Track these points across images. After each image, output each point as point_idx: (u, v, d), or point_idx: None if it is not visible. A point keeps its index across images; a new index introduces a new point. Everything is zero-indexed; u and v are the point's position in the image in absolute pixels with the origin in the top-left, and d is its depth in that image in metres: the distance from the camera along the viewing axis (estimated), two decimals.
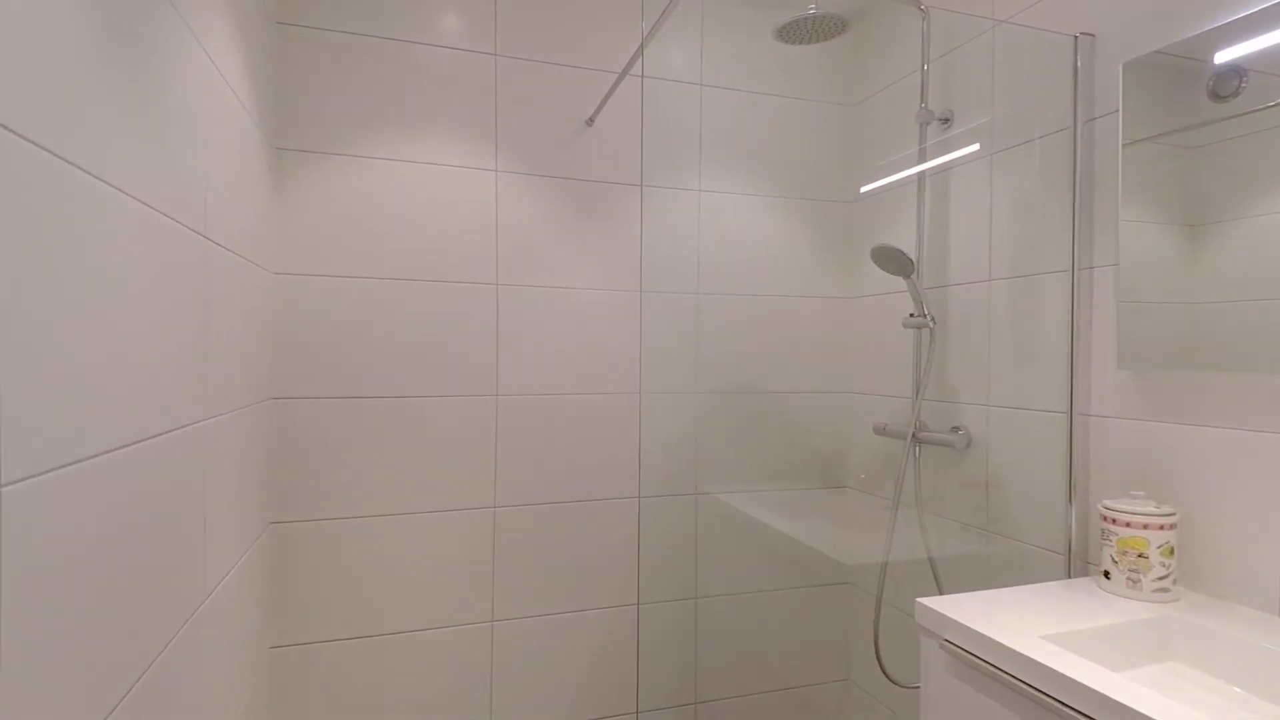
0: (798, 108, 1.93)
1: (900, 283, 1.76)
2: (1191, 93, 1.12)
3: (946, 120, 1.61)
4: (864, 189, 1.92)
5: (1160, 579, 1.09)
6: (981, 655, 0.96)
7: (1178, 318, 1.14)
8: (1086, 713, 0.80)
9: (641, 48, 1.45)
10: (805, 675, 1.96)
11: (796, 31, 1.59)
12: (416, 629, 1.65)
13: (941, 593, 1.59)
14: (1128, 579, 1.11)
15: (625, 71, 1.54)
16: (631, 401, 1.81)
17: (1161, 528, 1.09)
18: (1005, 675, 0.91)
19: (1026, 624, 0.99)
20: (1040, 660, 0.87)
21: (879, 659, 1.65)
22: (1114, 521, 1.13)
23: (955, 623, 1.01)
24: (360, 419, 1.61)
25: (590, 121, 1.75)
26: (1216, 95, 1.10)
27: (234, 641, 1.24)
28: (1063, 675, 0.83)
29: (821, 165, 1.96)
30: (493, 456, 1.70)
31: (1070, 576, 1.32)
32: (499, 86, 1.69)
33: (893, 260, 1.53)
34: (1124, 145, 1.21)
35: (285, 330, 1.56)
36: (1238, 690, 0.94)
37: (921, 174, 1.68)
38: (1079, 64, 1.30)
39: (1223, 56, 1.07)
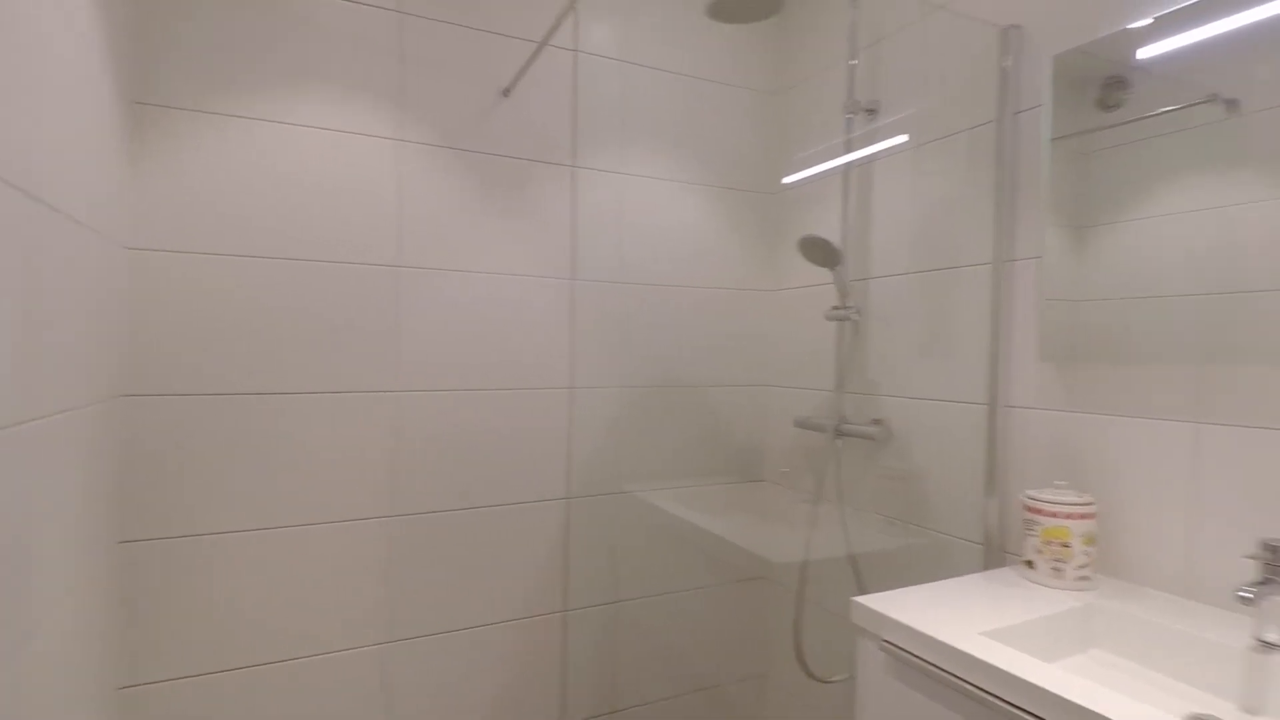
0: (724, 92, 1.88)
1: (823, 274, 1.74)
2: (1102, 91, 1.16)
3: (873, 111, 1.60)
4: (788, 179, 1.89)
5: (1081, 567, 1.10)
6: (924, 656, 0.93)
7: (1095, 312, 1.16)
8: (1035, 712, 0.78)
9: (562, 18, 1.34)
10: (724, 673, 1.92)
11: (729, 8, 1.53)
12: (296, 657, 1.46)
13: (861, 585, 1.59)
14: (1051, 568, 1.12)
15: (545, 40, 1.42)
16: (555, 398, 1.69)
17: (1083, 517, 1.11)
18: (950, 676, 0.88)
19: (965, 620, 0.97)
20: (989, 661, 0.84)
21: (799, 654, 1.63)
22: (1038, 511, 1.14)
23: (895, 622, 0.98)
24: (232, 419, 1.40)
25: (507, 93, 1.62)
26: (1104, 105, 1.15)
27: (67, 686, 1.03)
28: (1013, 676, 0.80)
29: (747, 153, 1.92)
30: (391, 460, 1.53)
31: (988, 567, 1.33)
32: (404, 47, 1.52)
33: (820, 251, 1.50)
34: (1049, 140, 1.23)
35: (141, 315, 1.33)
36: (1154, 674, 0.96)
37: (847, 165, 1.66)
38: (1006, 57, 1.31)
39: (1145, 53, 1.09)
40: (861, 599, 1.05)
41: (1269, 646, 0.86)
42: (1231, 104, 1.01)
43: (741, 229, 1.92)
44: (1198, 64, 1.04)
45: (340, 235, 1.48)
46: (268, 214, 1.42)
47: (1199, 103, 1.04)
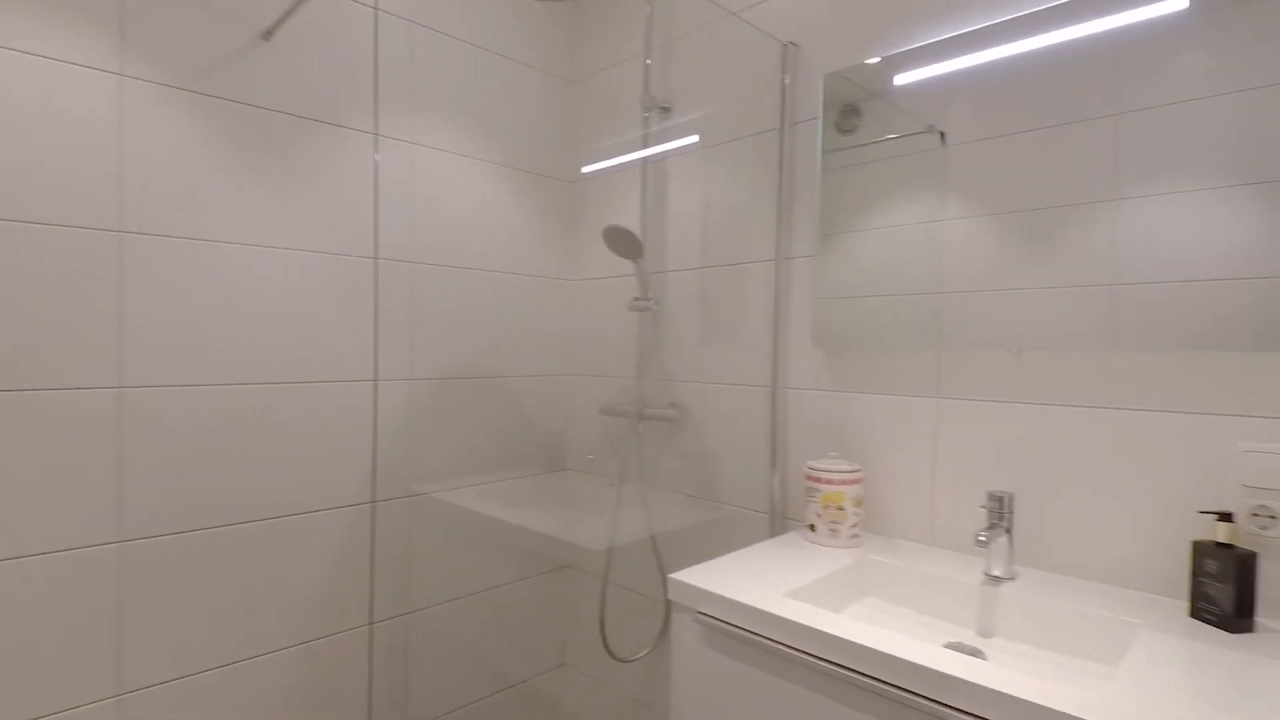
0: (523, 73, 1.81)
1: (622, 266, 1.78)
2: (840, 117, 1.35)
3: (667, 109, 1.66)
4: (586, 169, 1.89)
5: (853, 527, 1.26)
6: (738, 622, 0.98)
7: (850, 306, 1.34)
8: (836, 660, 0.87)
9: None
10: (523, 669, 1.88)
11: None
12: None
13: (660, 563, 1.65)
14: (829, 530, 1.26)
15: None
16: (352, 391, 1.50)
17: (853, 482, 1.26)
18: (764, 639, 0.95)
19: (768, 585, 1.05)
20: (798, 620, 0.91)
21: (604, 637, 1.65)
22: (817, 480, 1.28)
23: (710, 594, 1.02)
24: None
25: (268, 35, 1.38)
26: (841, 129, 1.34)
27: None
28: (820, 631, 0.88)
29: (546, 138, 1.87)
30: (115, 472, 1.24)
31: (774, 533, 1.47)
32: None
33: (624, 242, 1.52)
34: (828, 150, 1.38)
35: None
36: (914, 613, 1.13)
37: (645, 160, 1.70)
38: (785, 71, 1.44)
39: (901, 80, 1.27)
40: (677, 575, 1.09)
41: (995, 580, 1.06)
42: (944, 135, 1.22)
43: (541, 216, 1.88)
44: (918, 100, 1.25)
45: (33, 188, 1.15)
46: None
47: (919, 132, 1.25)
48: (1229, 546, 0.90)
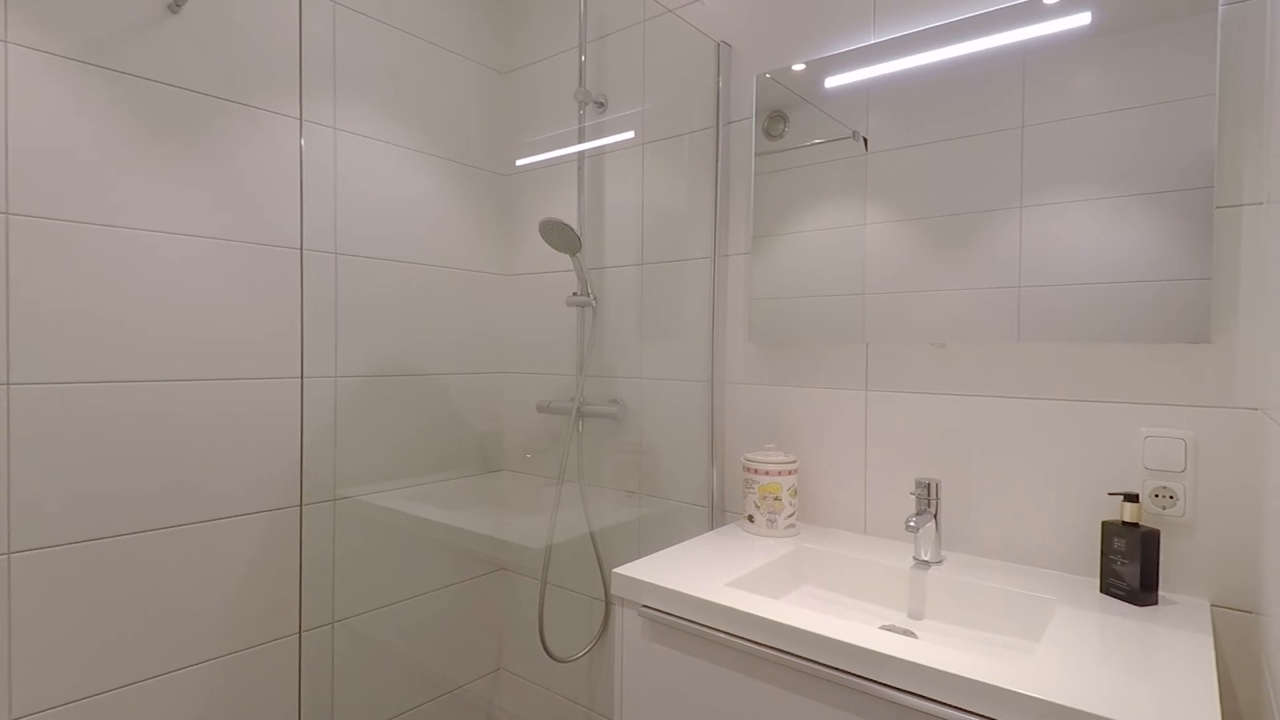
0: (454, 62, 1.76)
1: (558, 261, 1.75)
2: (768, 122, 1.37)
3: (602, 104, 1.65)
4: (520, 162, 1.85)
5: (790, 516, 1.29)
6: (682, 614, 0.98)
7: (783, 304, 1.36)
8: (779, 645, 0.88)
9: None
10: (458, 675, 1.83)
11: None
12: None
13: (600, 559, 1.64)
14: (767, 520, 1.28)
15: None
16: (277, 389, 1.41)
17: (789, 473, 1.29)
18: (709, 629, 0.95)
19: (711, 576, 1.06)
20: (743, 609, 0.92)
21: (543, 638, 1.62)
22: (755, 471, 1.30)
23: (655, 586, 1.02)
24: None
25: (176, 7, 1.29)
26: (769, 134, 1.37)
27: None
28: (763, 618, 0.89)
29: (478, 129, 1.82)
30: (2, 476, 1.13)
31: (714, 526, 1.48)
32: None
33: (562, 236, 1.50)
34: (756, 154, 1.40)
35: None
36: (849, 598, 1.16)
37: (581, 155, 1.69)
38: (720, 71, 1.46)
39: (826, 85, 1.30)
40: (621, 569, 1.08)
41: (923, 564, 1.10)
42: (866, 142, 1.26)
43: (474, 208, 1.83)
44: (842, 106, 1.28)
45: None
46: None
47: (844, 138, 1.28)
48: (1135, 525, 0.97)
